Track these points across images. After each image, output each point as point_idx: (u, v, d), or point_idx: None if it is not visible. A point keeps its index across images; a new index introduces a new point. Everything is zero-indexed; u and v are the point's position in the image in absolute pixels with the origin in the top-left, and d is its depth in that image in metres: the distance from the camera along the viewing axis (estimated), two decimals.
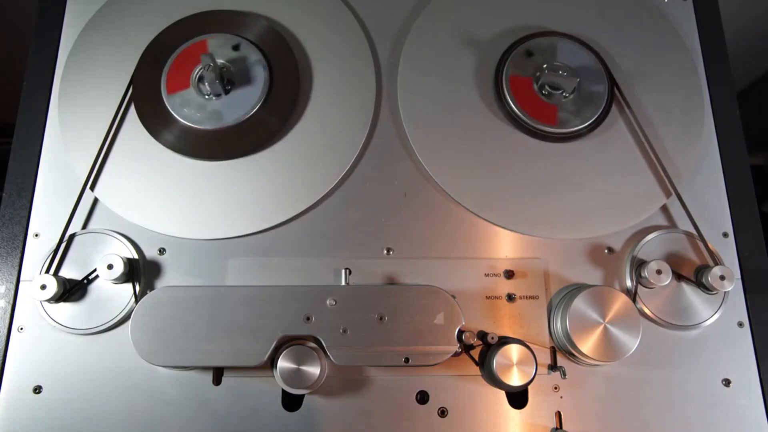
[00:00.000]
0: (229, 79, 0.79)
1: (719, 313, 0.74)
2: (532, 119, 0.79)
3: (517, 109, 0.79)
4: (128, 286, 0.72)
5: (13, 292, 0.73)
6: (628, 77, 0.83)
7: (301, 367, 0.64)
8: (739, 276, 0.76)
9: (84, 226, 0.76)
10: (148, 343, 0.64)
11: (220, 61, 0.79)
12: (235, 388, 0.70)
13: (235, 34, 0.81)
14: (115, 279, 0.70)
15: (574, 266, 0.76)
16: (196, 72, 0.79)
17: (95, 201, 0.76)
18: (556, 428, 0.70)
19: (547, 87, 0.80)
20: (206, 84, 0.77)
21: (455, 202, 0.77)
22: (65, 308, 0.72)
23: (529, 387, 0.69)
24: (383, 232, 0.76)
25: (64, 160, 0.78)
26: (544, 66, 0.80)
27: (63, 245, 0.74)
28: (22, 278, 0.73)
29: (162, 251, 0.75)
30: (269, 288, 0.67)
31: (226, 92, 0.78)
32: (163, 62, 0.80)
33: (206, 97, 0.78)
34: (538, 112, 0.79)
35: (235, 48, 0.80)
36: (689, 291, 0.75)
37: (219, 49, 0.80)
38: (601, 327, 0.68)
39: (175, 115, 0.78)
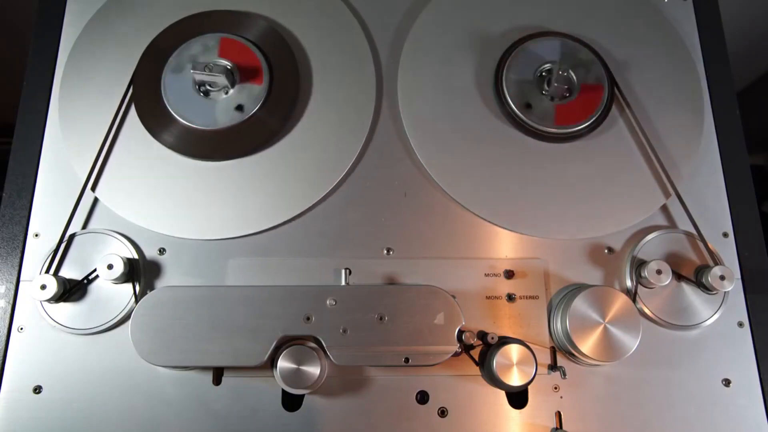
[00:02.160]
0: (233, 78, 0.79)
1: (719, 313, 0.74)
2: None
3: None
4: (128, 286, 0.72)
5: (13, 292, 0.73)
6: (627, 77, 0.83)
7: (301, 367, 0.64)
8: (739, 276, 0.76)
9: (84, 226, 0.76)
10: (148, 343, 0.64)
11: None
12: (235, 388, 0.70)
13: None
14: (115, 279, 0.70)
15: (574, 266, 0.76)
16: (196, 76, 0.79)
17: (95, 201, 0.76)
18: (556, 428, 0.70)
19: (546, 87, 0.80)
20: (215, 75, 0.76)
21: (455, 202, 0.77)
22: (65, 308, 0.72)
23: (529, 387, 0.69)
24: (383, 232, 0.76)
25: (64, 160, 0.78)
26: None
27: (63, 245, 0.74)
28: (22, 278, 0.73)
29: (162, 251, 0.75)
30: (269, 288, 0.67)
31: (232, 85, 0.78)
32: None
33: (200, 92, 0.78)
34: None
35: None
36: (689, 291, 0.75)
37: None
38: (601, 327, 0.68)
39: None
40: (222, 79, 0.76)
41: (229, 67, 0.78)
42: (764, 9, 1.37)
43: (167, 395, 0.70)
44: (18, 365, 0.71)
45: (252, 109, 0.78)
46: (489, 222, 0.77)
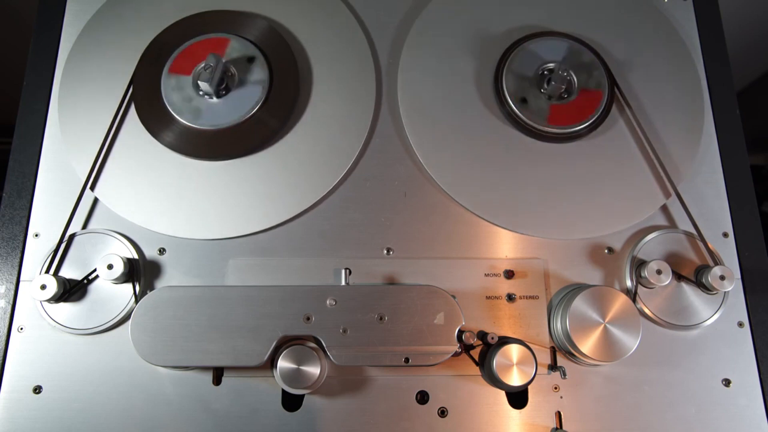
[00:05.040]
0: (226, 85, 0.79)
1: (719, 313, 0.74)
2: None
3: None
4: (128, 286, 0.72)
5: (13, 292, 0.73)
6: (628, 77, 0.83)
7: (301, 367, 0.64)
8: (739, 276, 0.76)
9: (84, 226, 0.76)
10: (148, 343, 0.64)
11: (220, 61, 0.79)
12: (235, 388, 0.70)
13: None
14: (115, 279, 0.70)
15: (574, 266, 0.76)
16: (199, 67, 0.78)
17: (95, 201, 0.76)
18: (556, 428, 0.70)
19: (545, 85, 0.80)
20: (204, 82, 0.76)
21: (455, 202, 0.77)
22: (65, 308, 0.72)
23: (529, 387, 0.69)
24: (383, 232, 0.76)
25: (64, 160, 0.78)
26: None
27: (63, 245, 0.74)
28: (22, 278, 0.73)
29: (162, 251, 0.75)
30: (269, 288, 0.67)
31: (218, 96, 0.78)
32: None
33: (199, 94, 0.78)
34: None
35: (250, 60, 0.79)
36: (689, 291, 0.75)
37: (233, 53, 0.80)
38: (601, 327, 0.68)
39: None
40: (206, 86, 0.76)
41: (229, 67, 0.78)
42: (764, 9, 1.37)
43: (167, 395, 0.70)
44: (18, 365, 0.71)
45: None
46: (489, 222, 0.77)
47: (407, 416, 0.70)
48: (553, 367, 0.72)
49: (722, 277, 0.71)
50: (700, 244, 0.76)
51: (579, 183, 0.78)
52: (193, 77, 0.79)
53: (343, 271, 0.70)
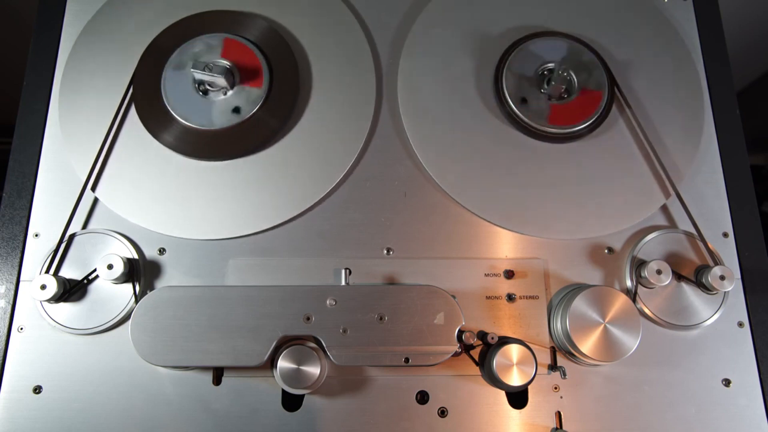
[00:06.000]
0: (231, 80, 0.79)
1: (719, 313, 0.74)
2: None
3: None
4: (128, 286, 0.72)
5: (13, 292, 0.73)
6: (628, 77, 0.83)
7: (301, 367, 0.64)
8: (739, 276, 0.76)
9: (84, 226, 0.76)
10: (148, 343, 0.64)
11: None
12: (235, 388, 0.70)
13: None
14: (115, 279, 0.70)
15: (574, 266, 0.76)
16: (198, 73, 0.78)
17: (95, 201, 0.76)
18: (556, 428, 0.70)
19: (545, 86, 0.80)
20: (213, 80, 0.76)
21: (455, 202, 0.77)
22: (65, 308, 0.72)
23: (529, 387, 0.69)
24: (383, 232, 0.76)
25: (64, 160, 0.78)
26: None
27: (63, 245, 0.74)
28: (22, 278, 0.73)
29: (162, 251, 0.75)
30: (269, 288, 0.67)
31: (232, 86, 0.78)
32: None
33: (213, 91, 0.78)
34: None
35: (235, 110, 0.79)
36: (689, 291, 0.75)
37: None
38: (601, 327, 0.68)
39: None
40: (221, 80, 0.76)
41: (228, 68, 0.78)
42: (764, 9, 1.37)
43: (167, 395, 0.70)
44: (18, 365, 0.71)
45: (251, 109, 0.78)
46: (489, 222, 0.77)
47: (407, 416, 0.70)
48: (553, 367, 0.72)
49: (722, 277, 0.71)
50: (700, 244, 0.76)
51: (579, 183, 0.78)
52: (193, 81, 0.78)
53: (343, 271, 0.70)
